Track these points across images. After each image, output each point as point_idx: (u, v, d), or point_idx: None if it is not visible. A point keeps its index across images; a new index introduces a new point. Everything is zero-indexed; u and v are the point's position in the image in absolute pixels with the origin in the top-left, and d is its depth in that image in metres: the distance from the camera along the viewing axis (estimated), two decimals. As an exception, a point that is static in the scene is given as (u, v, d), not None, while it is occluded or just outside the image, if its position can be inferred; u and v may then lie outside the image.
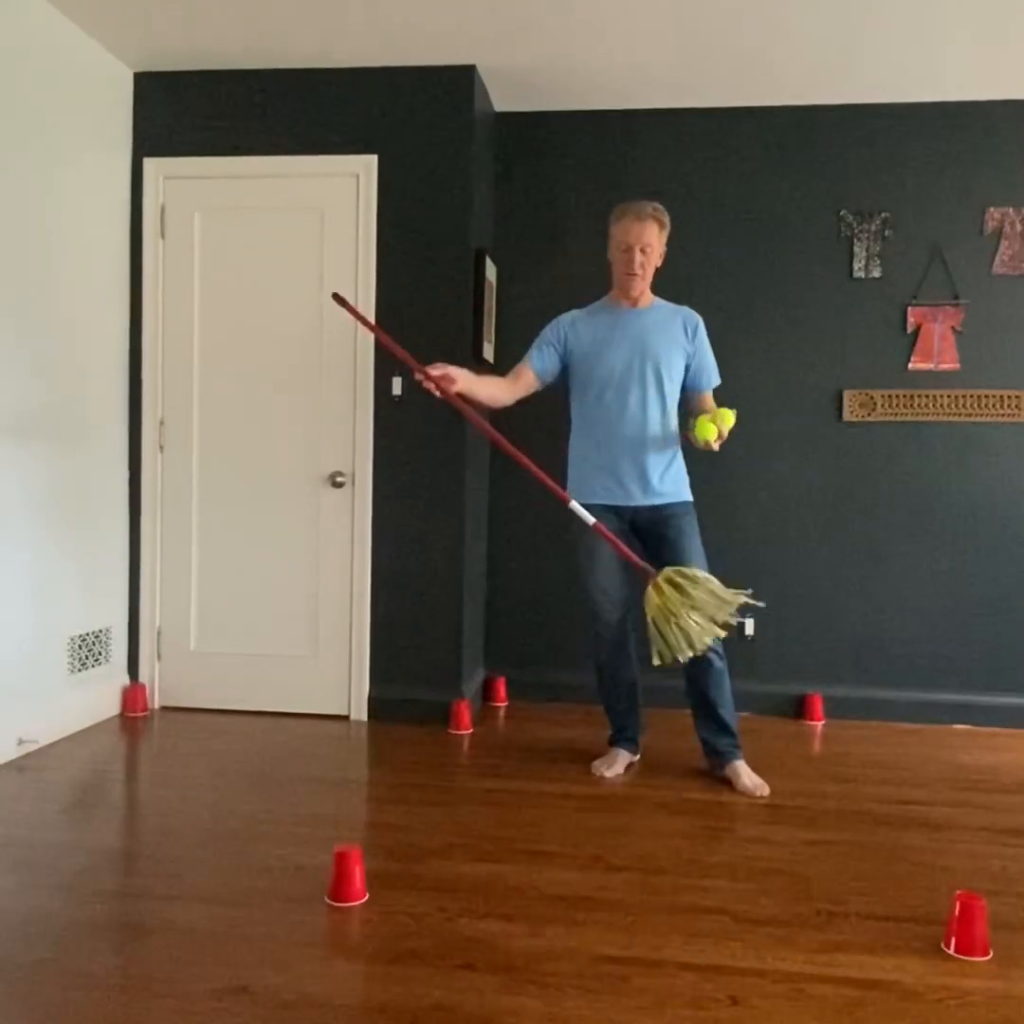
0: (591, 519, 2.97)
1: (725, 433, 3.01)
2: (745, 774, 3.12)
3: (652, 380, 3.14)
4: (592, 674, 3.42)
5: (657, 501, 3.16)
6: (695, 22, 3.39)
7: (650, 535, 3.18)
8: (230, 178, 3.91)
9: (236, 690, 3.98)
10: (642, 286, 3.15)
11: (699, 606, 2.82)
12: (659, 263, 3.18)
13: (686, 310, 3.24)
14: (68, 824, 2.73)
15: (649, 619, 2.85)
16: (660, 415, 3.15)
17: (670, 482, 3.18)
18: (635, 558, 2.95)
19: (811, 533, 4.10)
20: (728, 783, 3.14)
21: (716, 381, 3.28)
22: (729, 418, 2.99)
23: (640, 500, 3.15)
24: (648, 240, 3.08)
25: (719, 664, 3.14)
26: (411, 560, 3.87)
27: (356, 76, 3.83)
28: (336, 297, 2.90)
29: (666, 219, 3.14)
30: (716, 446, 3.02)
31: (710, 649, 3.05)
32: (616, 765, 3.26)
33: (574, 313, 3.29)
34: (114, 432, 3.90)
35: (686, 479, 3.24)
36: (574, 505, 2.98)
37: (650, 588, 2.87)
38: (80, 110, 3.61)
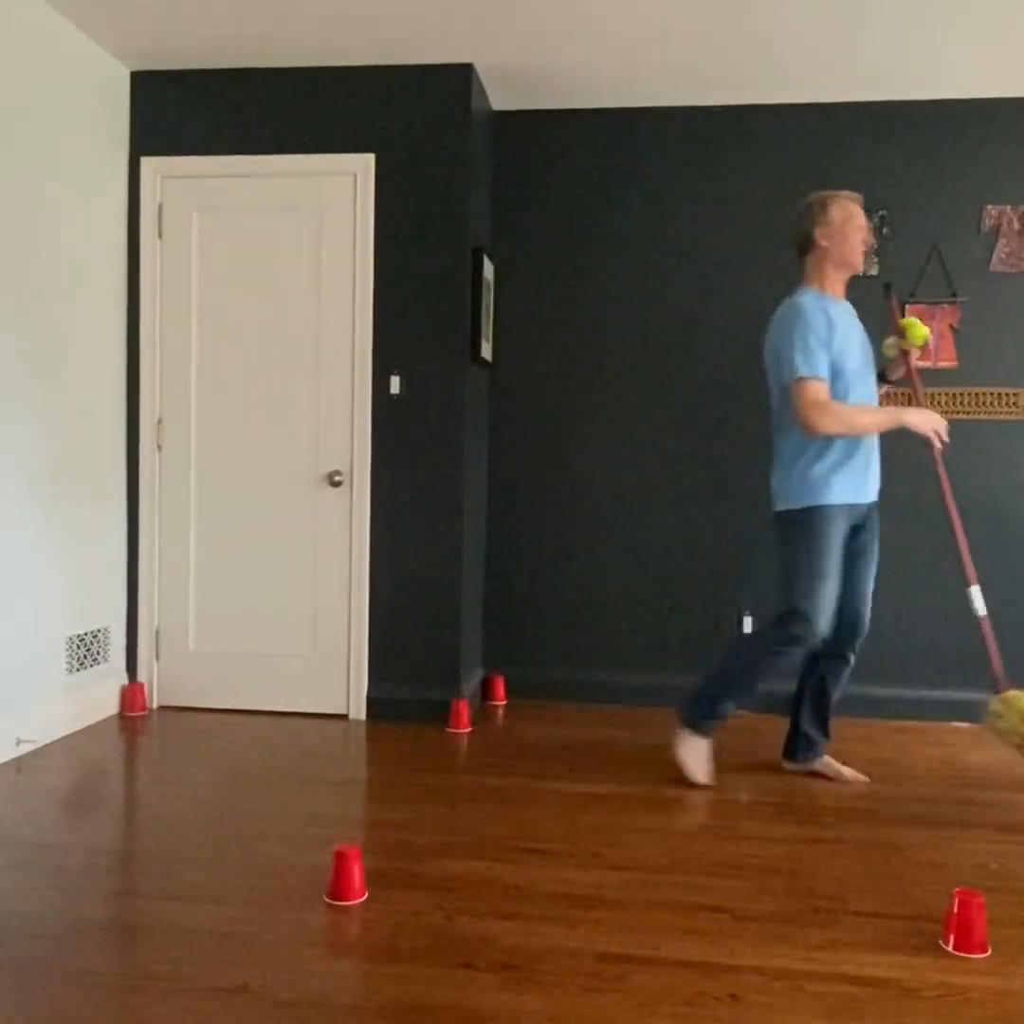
0: (983, 610, 3.05)
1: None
2: (839, 764, 3.21)
3: (872, 374, 3.16)
4: (745, 662, 3.12)
5: (876, 496, 3.17)
6: (693, 21, 3.38)
7: (860, 533, 3.14)
8: (228, 177, 3.91)
9: (235, 689, 3.97)
10: None
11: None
12: None
13: None
14: (66, 824, 2.73)
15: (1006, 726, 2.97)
16: None
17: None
18: (997, 663, 3.03)
19: (809, 531, 4.10)
20: (819, 776, 3.18)
21: None
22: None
23: (876, 495, 3.15)
24: None
25: (851, 663, 3.20)
26: (409, 559, 3.87)
27: (354, 75, 3.82)
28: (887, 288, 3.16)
29: None
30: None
31: (851, 649, 3.16)
32: (708, 762, 3.15)
33: (819, 303, 3.03)
34: (112, 431, 3.89)
35: None
36: (973, 591, 3.05)
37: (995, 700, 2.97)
38: (77, 109, 3.60)
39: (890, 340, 3.23)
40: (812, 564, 3.00)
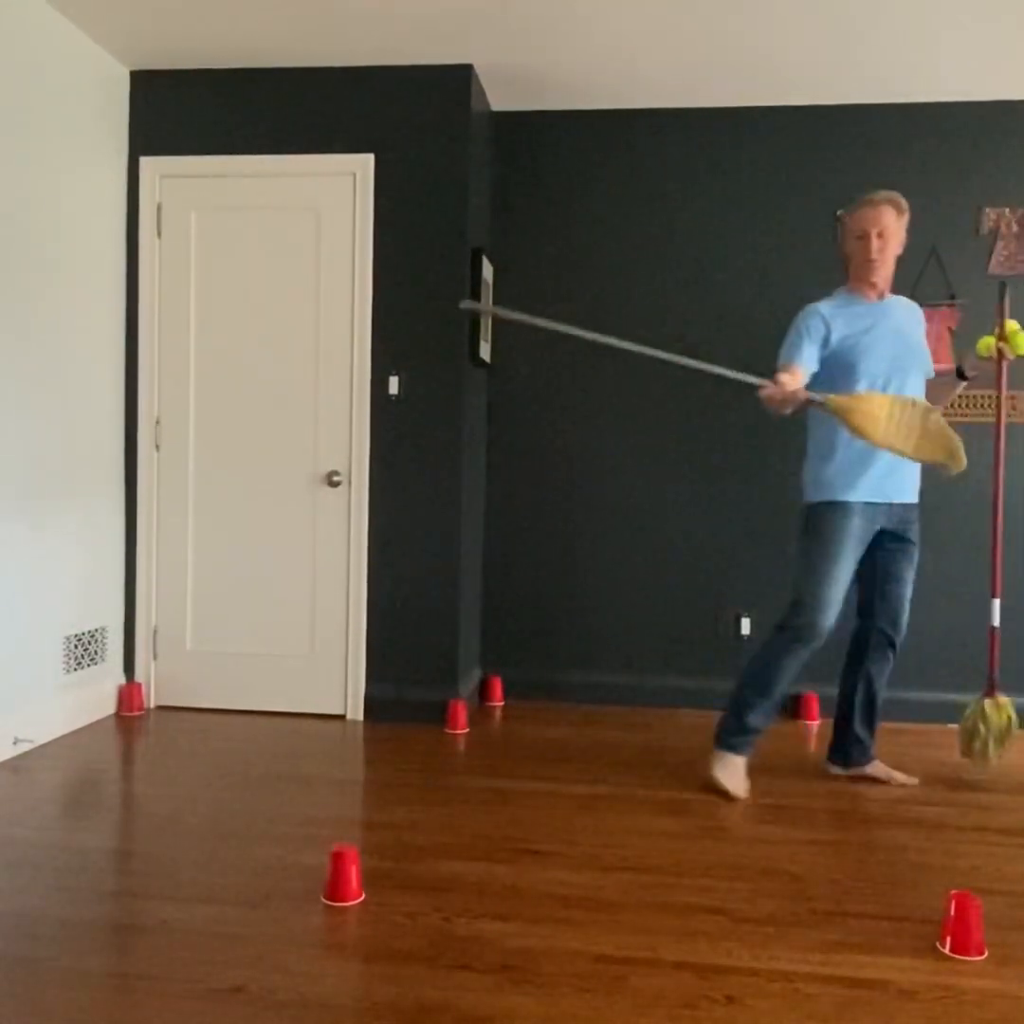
0: (997, 621, 3.20)
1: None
2: (889, 768, 3.24)
3: (919, 374, 3.13)
4: (760, 668, 3.09)
5: (911, 498, 3.16)
6: (692, 22, 3.39)
7: (891, 534, 3.14)
8: (227, 177, 3.90)
9: (232, 689, 3.97)
10: (883, 272, 3.09)
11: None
12: (899, 251, 3.12)
13: (914, 303, 3.24)
14: (64, 824, 2.73)
15: (974, 724, 3.17)
16: None
17: (917, 479, 3.19)
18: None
19: (807, 533, 4.10)
20: (871, 781, 3.19)
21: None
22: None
23: (907, 496, 3.13)
24: (884, 223, 3.05)
25: (892, 662, 3.21)
26: (407, 559, 3.87)
27: (353, 75, 3.82)
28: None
29: (904, 205, 3.08)
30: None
31: (892, 648, 3.18)
32: (744, 777, 3.11)
33: (824, 305, 3.11)
34: (110, 431, 3.89)
35: None
36: (995, 603, 3.18)
37: (988, 703, 3.13)
38: (76, 108, 3.60)
39: (989, 338, 3.21)
40: (819, 559, 3.03)
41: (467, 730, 3.76)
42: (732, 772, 3.09)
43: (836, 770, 3.26)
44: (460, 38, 3.56)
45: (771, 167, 4.08)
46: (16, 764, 3.23)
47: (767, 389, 2.86)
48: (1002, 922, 2.22)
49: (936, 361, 3.95)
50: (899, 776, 3.21)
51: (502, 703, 4.20)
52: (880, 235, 3.05)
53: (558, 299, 4.21)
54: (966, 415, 3.97)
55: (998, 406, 3.25)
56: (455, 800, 2.98)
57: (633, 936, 2.12)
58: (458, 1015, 1.81)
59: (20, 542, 3.36)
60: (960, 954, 2.06)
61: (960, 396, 3.97)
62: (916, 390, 3.13)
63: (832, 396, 2.91)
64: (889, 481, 3.06)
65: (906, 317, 3.17)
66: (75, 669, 3.67)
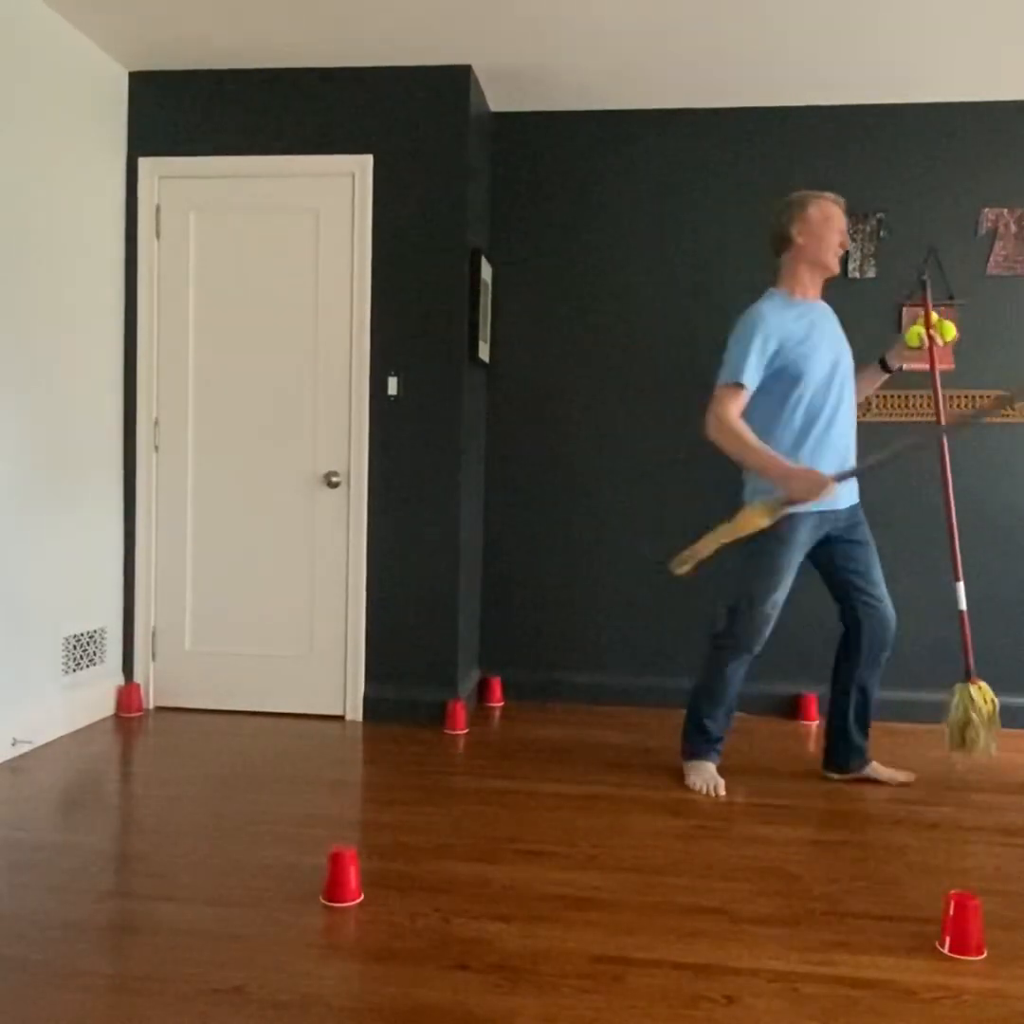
0: (963, 604, 3.14)
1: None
2: (885, 767, 3.25)
3: (850, 378, 3.12)
4: (707, 680, 3.16)
5: (854, 500, 3.15)
6: (692, 23, 3.39)
7: (841, 539, 3.12)
8: (225, 178, 3.90)
9: (231, 690, 3.97)
10: None
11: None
12: None
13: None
14: (63, 825, 2.73)
15: (964, 712, 3.07)
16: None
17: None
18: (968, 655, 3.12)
19: (806, 533, 4.10)
20: (871, 782, 3.18)
21: None
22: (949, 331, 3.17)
23: (848, 500, 3.11)
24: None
25: (883, 663, 3.20)
26: (406, 560, 3.87)
27: (352, 76, 3.82)
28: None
29: None
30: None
31: (884, 649, 3.16)
32: (715, 775, 3.13)
33: (772, 308, 3.01)
34: (109, 432, 3.89)
35: None
36: (959, 586, 3.14)
37: (973, 689, 3.06)
38: (75, 109, 3.60)
39: (917, 328, 3.18)
40: (762, 568, 3.03)
41: (466, 731, 3.76)
42: (706, 776, 3.12)
43: (835, 777, 3.24)
44: (459, 38, 3.56)
45: (771, 167, 4.08)
46: (15, 765, 3.23)
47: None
48: (1002, 922, 2.22)
49: (942, 363, 3.96)
50: (899, 775, 3.21)
51: (501, 704, 4.20)
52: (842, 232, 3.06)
53: (558, 299, 4.21)
54: (928, 414, 3.98)
55: (935, 394, 3.24)
56: (454, 801, 2.97)
57: (632, 936, 2.12)
58: (457, 1015, 1.81)
59: (19, 542, 3.36)
60: (959, 954, 2.06)
61: (958, 397, 3.97)
62: (854, 400, 3.12)
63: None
64: (840, 487, 3.00)
65: (828, 314, 3.15)
66: (74, 670, 3.67)
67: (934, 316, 3.20)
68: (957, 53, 3.56)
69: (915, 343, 3.16)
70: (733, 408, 2.96)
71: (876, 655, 3.15)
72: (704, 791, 3.07)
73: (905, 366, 3.35)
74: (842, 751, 3.20)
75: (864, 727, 3.20)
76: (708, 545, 3.02)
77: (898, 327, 4.00)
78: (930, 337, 3.16)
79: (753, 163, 4.09)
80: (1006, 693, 3.98)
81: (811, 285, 3.09)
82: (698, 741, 3.17)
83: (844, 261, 4.04)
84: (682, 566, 3.05)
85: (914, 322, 3.24)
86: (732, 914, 2.24)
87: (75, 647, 3.68)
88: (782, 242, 3.08)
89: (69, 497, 3.63)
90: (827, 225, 3.03)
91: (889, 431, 4.00)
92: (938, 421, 3.25)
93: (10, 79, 3.24)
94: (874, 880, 2.45)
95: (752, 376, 2.96)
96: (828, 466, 3.01)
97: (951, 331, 3.19)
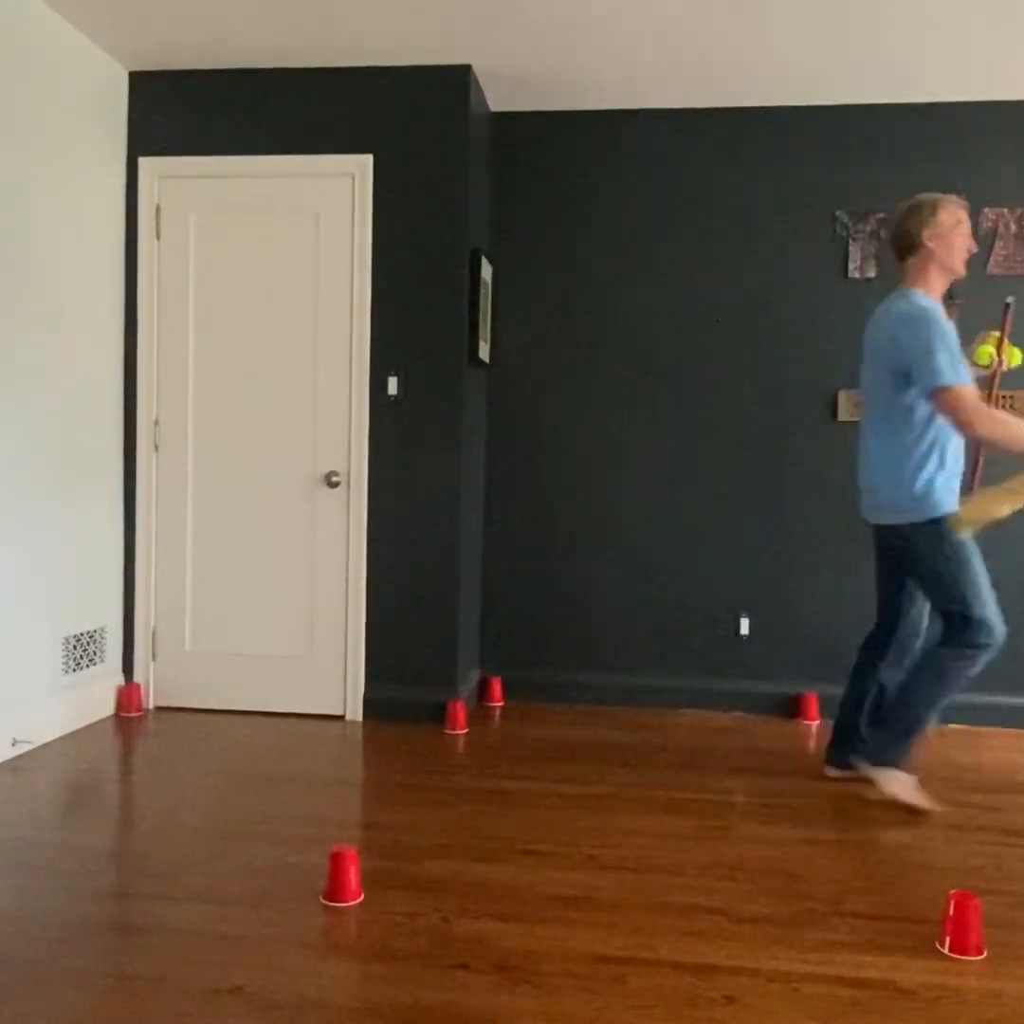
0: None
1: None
2: None
3: None
4: (949, 689, 2.99)
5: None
6: (691, 22, 3.39)
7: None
8: (226, 178, 3.90)
9: (231, 690, 3.97)
10: None
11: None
12: None
13: None
14: (63, 825, 2.73)
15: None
16: None
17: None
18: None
19: (806, 533, 4.11)
20: (868, 781, 3.12)
21: None
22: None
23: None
24: None
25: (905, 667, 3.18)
26: (407, 560, 3.87)
27: (352, 76, 3.82)
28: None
29: None
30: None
31: (911, 652, 3.17)
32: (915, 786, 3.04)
33: (935, 308, 2.96)
34: (109, 432, 3.89)
35: None
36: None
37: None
38: (75, 109, 3.60)
39: (987, 347, 3.19)
40: (964, 569, 2.94)
41: (466, 730, 3.76)
42: (911, 787, 3.01)
43: (835, 773, 3.24)
44: (459, 38, 3.56)
45: (770, 168, 4.08)
46: (15, 765, 3.23)
47: None
48: (1002, 922, 2.22)
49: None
50: (924, 801, 3.12)
51: (501, 703, 4.20)
52: None
53: (557, 299, 4.21)
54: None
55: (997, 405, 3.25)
56: (454, 800, 2.97)
57: (632, 936, 2.12)
58: (457, 1015, 1.81)
59: (19, 542, 3.36)
60: (959, 954, 2.06)
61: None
62: None
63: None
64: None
65: None
66: (74, 670, 3.67)
67: (1005, 341, 3.18)
68: (957, 53, 3.56)
69: (985, 361, 3.18)
70: (970, 400, 2.84)
71: (901, 660, 3.17)
72: (920, 805, 2.96)
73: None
74: (851, 746, 3.18)
75: (876, 722, 3.16)
76: (999, 506, 2.88)
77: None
78: (999, 359, 3.17)
79: (754, 163, 4.09)
80: (1006, 693, 3.98)
81: (939, 288, 3.08)
82: (903, 750, 3.01)
83: (844, 261, 4.05)
84: (967, 526, 2.90)
85: (984, 341, 3.23)
86: (732, 914, 2.24)
87: (75, 647, 3.68)
88: (911, 246, 3.06)
89: (69, 497, 3.63)
90: (957, 230, 3.04)
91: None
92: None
93: (10, 79, 3.24)
94: (875, 880, 2.45)
95: (964, 372, 2.88)
96: (955, 460, 3.01)
97: (1017, 357, 3.18)
